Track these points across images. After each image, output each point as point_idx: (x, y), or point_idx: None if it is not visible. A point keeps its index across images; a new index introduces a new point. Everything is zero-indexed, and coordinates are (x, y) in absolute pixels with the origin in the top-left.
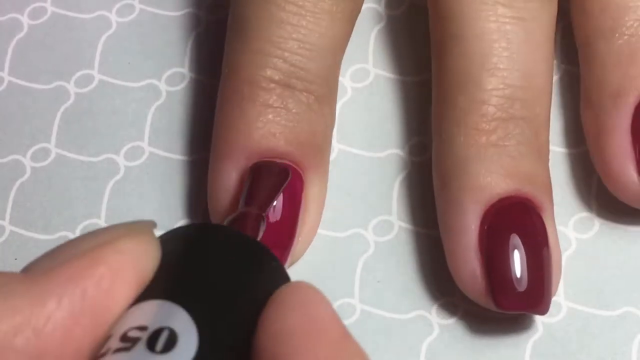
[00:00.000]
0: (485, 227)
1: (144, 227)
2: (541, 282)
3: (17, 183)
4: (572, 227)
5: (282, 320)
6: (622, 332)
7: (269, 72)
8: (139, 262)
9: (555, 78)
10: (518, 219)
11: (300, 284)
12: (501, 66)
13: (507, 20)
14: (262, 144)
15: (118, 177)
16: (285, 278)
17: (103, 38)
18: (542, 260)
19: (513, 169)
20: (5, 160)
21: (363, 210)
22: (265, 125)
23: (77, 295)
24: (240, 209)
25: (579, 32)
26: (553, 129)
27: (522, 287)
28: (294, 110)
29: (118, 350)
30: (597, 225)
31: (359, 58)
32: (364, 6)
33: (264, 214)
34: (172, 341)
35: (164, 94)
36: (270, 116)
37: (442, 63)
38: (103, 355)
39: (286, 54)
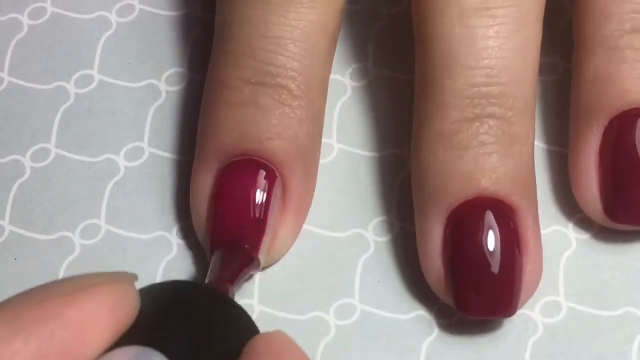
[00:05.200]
0: (448, 232)
1: (124, 276)
2: (505, 285)
3: (17, 183)
4: (572, 227)
5: None
6: (622, 332)
7: (238, 72)
8: (115, 309)
9: (556, 77)
10: (481, 221)
11: (271, 335)
12: (462, 66)
13: (469, 13)
14: (229, 145)
15: (118, 177)
16: (256, 330)
17: (103, 38)
18: (508, 263)
19: (475, 172)
20: (5, 160)
21: (363, 210)
22: (234, 126)
23: (45, 335)
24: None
25: (574, 36)
26: (553, 129)
27: (487, 291)
28: (264, 107)
29: None
30: (597, 225)
31: (359, 57)
32: (364, 5)
33: (231, 289)
34: None
35: (163, 94)
36: (238, 115)
37: (415, 66)
38: None
39: (255, 52)
